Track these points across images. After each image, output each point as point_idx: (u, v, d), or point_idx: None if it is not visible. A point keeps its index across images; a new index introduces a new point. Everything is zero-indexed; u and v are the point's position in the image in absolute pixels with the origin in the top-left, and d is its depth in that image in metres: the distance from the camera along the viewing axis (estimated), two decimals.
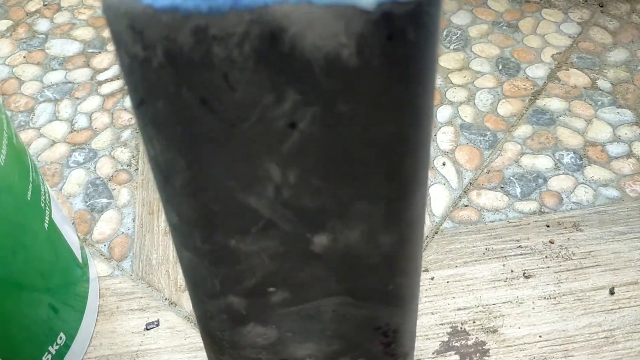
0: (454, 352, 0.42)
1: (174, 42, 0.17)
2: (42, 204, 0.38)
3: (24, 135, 0.59)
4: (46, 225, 0.38)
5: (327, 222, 0.23)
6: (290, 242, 0.23)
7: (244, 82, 0.18)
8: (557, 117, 0.58)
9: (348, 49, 0.17)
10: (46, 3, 0.75)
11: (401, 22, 0.16)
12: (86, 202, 0.53)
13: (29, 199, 0.36)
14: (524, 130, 0.57)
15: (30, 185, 0.36)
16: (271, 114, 0.18)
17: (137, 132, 0.59)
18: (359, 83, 0.18)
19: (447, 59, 0.65)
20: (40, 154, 0.58)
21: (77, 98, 0.63)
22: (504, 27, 0.68)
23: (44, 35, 0.71)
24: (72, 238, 0.44)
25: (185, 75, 0.17)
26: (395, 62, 0.17)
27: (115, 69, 0.66)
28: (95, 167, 0.56)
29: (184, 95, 0.18)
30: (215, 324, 0.28)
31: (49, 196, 0.40)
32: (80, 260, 0.44)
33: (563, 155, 0.55)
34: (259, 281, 0.25)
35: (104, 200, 0.53)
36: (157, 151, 0.20)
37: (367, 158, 0.20)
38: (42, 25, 0.72)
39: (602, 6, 0.71)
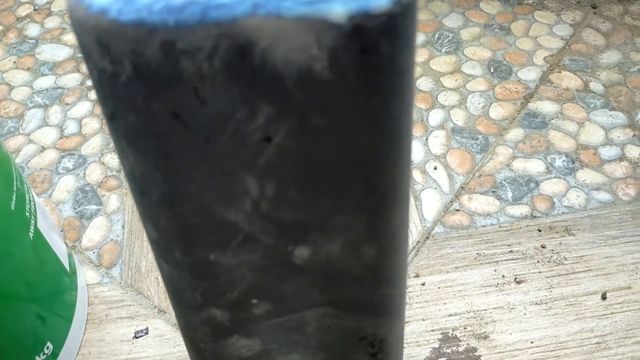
0: (445, 358, 0.42)
1: (141, 56, 0.16)
2: (27, 213, 0.38)
3: (14, 142, 0.59)
4: (31, 235, 0.38)
5: (307, 235, 0.22)
6: (271, 255, 0.23)
7: (215, 96, 0.17)
8: (549, 120, 0.58)
9: (320, 62, 0.16)
10: (36, 8, 0.75)
11: (374, 35, 0.16)
12: (75, 208, 0.53)
13: (12, 208, 0.36)
14: (515, 133, 0.57)
15: (15, 194, 0.36)
16: (245, 128, 0.18)
17: None
18: (333, 96, 0.17)
19: (438, 62, 0.64)
20: (29, 160, 0.57)
21: (67, 103, 0.63)
22: (496, 30, 0.68)
23: (34, 40, 0.70)
24: (59, 246, 0.43)
25: (154, 90, 0.17)
26: (370, 75, 0.17)
27: None
28: (84, 174, 0.56)
29: (154, 109, 0.18)
30: (199, 335, 0.28)
31: (34, 205, 0.39)
32: (68, 269, 0.44)
33: (555, 158, 0.55)
34: (240, 294, 0.25)
35: (94, 207, 0.53)
36: (132, 164, 0.20)
37: (345, 171, 0.20)
38: (33, 30, 0.72)
39: (594, 7, 0.71)
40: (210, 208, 0.21)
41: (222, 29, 0.16)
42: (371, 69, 0.17)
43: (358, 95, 0.17)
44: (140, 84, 0.17)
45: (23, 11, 0.74)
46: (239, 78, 0.17)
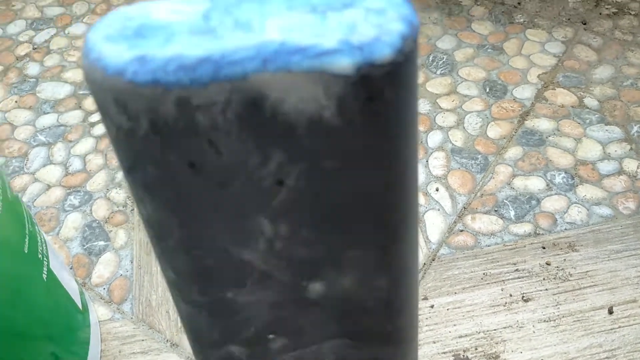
0: None
1: (158, 112, 0.17)
2: (40, 255, 0.38)
3: (19, 181, 0.60)
4: (45, 276, 0.38)
5: (321, 270, 0.23)
6: (286, 291, 0.24)
7: (229, 145, 0.18)
8: (547, 137, 0.59)
9: (329, 110, 0.17)
10: (36, 47, 0.76)
11: (379, 83, 0.17)
12: (83, 245, 0.53)
13: (26, 251, 0.36)
14: (514, 152, 0.58)
15: (27, 237, 0.37)
16: (258, 173, 0.19)
17: None
18: (341, 141, 0.18)
19: (434, 84, 0.65)
20: (35, 199, 0.58)
21: (70, 141, 0.63)
22: (489, 50, 0.69)
23: (34, 79, 0.71)
24: (70, 284, 0.44)
25: (171, 143, 0.18)
26: (376, 119, 0.18)
27: None
28: (91, 210, 0.56)
29: (171, 160, 0.18)
30: None
31: (46, 246, 0.40)
32: (80, 306, 0.44)
33: (555, 175, 0.55)
34: (257, 330, 0.25)
35: (101, 243, 0.53)
36: (149, 212, 0.20)
37: (355, 209, 0.20)
38: (33, 68, 0.73)
39: (585, 24, 0.72)
40: (226, 249, 0.22)
41: (235, 84, 0.16)
42: (377, 114, 0.18)
43: (365, 139, 0.18)
44: (157, 138, 0.18)
45: (22, 50, 0.75)
46: (252, 128, 0.18)
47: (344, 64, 0.16)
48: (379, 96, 0.17)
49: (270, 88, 0.17)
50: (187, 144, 0.18)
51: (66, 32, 0.77)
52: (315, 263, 0.22)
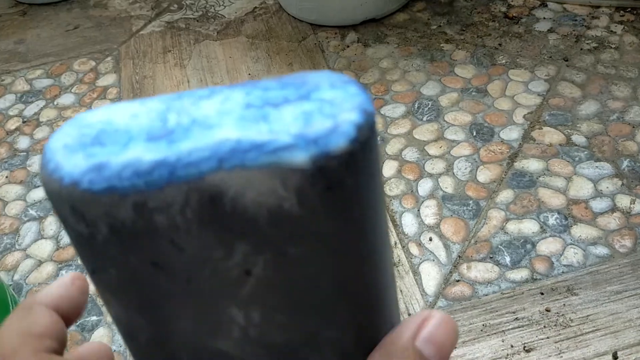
0: None
1: (115, 217, 0.17)
2: None
3: (11, 258, 0.59)
4: None
5: (299, 353, 0.22)
6: None
7: (191, 242, 0.18)
8: (537, 178, 0.58)
9: (289, 201, 0.17)
10: (25, 120, 0.76)
11: (337, 173, 0.17)
12: (76, 322, 0.52)
13: None
14: (505, 195, 0.57)
15: None
16: (224, 266, 0.18)
17: None
18: (304, 229, 0.18)
19: (421, 131, 0.65)
20: (27, 276, 0.57)
21: None
22: (474, 93, 0.69)
23: (25, 153, 0.72)
24: None
25: (131, 245, 0.17)
26: (338, 207, 0.17)
27: None
28: None
29: (133, 262, 0.18)
30: None
31: None
32: None
33: (548, 217, 0.55)
34: None
35: (94, 318, 0.52)
36: (117, 312, 0.20)
37: (328, 293, 0.20)
38: (23, 142, 0.73)
39: (567, 60, 0.72)
40: (199, 340, 0.21)
41: (191, 185, 0.16)
42: (337, 201, 0.17)
43: (329, 226, 0.18)
44: (116, 242, 0.17)
45: (12, 124, 0.76)
46: (213, 224, 0.17)
47: (300, 158, 0.16)
48: (337, 185, 0.17)
49: (227, 185, 0.16)
50: (148, 245, 0.18)
51: (55, 103, 0.78)
52: (292, 346, 0.22)
